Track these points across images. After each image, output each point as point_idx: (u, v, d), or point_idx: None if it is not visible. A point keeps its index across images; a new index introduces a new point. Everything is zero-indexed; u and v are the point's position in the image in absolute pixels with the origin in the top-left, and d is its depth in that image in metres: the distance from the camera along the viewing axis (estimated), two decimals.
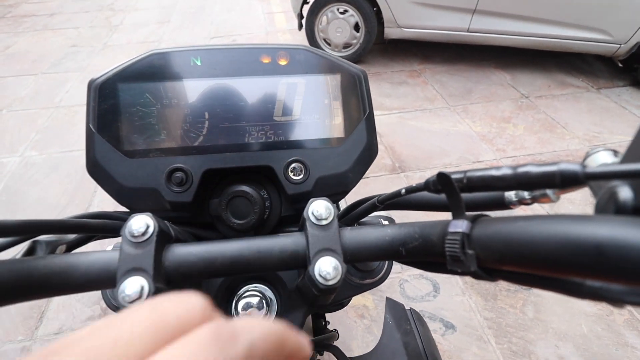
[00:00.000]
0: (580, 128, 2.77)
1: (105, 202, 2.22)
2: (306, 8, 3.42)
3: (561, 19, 2.99)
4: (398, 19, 3.26)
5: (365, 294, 1.75)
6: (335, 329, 0.86)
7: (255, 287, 0.40)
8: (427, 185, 0.27)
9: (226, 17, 4.81)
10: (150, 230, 0.29)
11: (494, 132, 2.75)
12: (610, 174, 0.18)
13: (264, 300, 0.38)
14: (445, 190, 0.26)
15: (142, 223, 0.29)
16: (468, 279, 1.76)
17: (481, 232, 0.24)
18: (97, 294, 1.47)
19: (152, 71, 0.40)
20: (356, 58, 3.53)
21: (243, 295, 0.39)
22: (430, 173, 2.41)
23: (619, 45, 2.96)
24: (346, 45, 3.48)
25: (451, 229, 0.25)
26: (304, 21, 3.49)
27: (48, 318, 1.69)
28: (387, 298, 0.66)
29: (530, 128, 2.78)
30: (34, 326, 1.66)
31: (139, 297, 0.26)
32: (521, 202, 0.31)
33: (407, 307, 0.64)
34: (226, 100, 0.41)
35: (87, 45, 4.20)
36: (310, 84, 0.42)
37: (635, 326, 1.57)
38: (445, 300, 1.70)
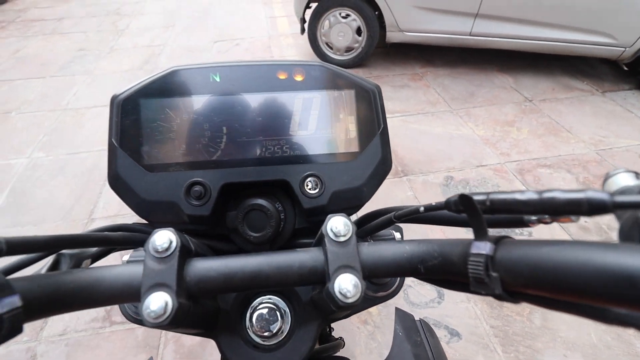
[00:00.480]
0: (585, 132, 2.76)
1: (110, 205, 2.24)
2: (308, 12, 3.44)
3: (565, 22, 2.99)
4: (400, 22, 3.26)
5: None
6: (341, 337, 0.85)
7: (270, 299, 0.40)
8: (447, 205, 0.27)
9: (229, 21, 4.85)
10: (173, 245, 0.29)
11: (497, 136, 2.74)
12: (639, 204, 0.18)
13: (278, 313, 0.39)
14: (467, 211, 0.26)
15: (165, 238, 0.29)
16: None
17: (505, 254, 0.24)
18: None
19: (173, 87, 0.41)
20: (358, 62, 3.54)
21: (257, 308, 0.39)
22: (433, 177, 2.41)
23: (623, 49, 2.95)
24: (348, 49, 3.50)
25: (474, 250, 0.25)
26: (306, 25, 3.51)
27: (52, 319, 1.70)
28: (396, 308, 0.66)
29: (534, 132, 2.78)
30: (39, 327, 1.67)
31: (164, 312, 0.27)
32: (540, 221, 0.31)
33: (416, 318, 0.64)
34: (244, 115, 0.42)
35: (94, 48, 4.25)
36: (325, 99, 0.43)
37: None
38: (450, 307, 1.69)
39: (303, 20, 3.51)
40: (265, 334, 0.38)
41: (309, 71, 0.44)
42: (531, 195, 0.22)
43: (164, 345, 1.59)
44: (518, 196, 0.23)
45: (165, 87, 0.41)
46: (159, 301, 0.27)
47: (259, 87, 0.42)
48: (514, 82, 3.40)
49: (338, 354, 0.63)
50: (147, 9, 5.44)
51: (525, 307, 1.67)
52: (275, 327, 0.38)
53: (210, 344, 1.57)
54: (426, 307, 1.70)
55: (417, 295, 1.75)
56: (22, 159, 2.63)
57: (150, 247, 0.29)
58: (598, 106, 3.04)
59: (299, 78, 0.43)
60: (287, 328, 0.39)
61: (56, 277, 0.27)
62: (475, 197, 0.25)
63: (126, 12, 5.32)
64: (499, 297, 0.24)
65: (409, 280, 1.80)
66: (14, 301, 0.24)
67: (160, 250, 0.29)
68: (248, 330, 0.39)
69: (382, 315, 1.68)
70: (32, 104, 3.27)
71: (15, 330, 0.24)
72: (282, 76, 0.43)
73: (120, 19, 5.10)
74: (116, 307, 1.71)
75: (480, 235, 0.26)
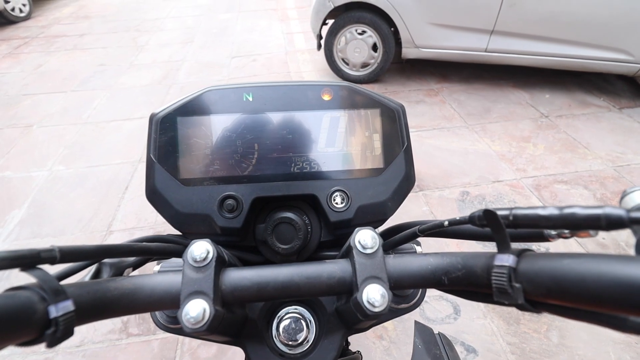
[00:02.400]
0: (602, 148, 2.73)
1: (128, 217, 2.28)
2: (325, 29, 3.50)
3: (580, 39, 2.99)
4: (415, 39, 3.30)
5: None
6: (359, 351, 0.85)
7: (295, 309, 0.41)
8: (471, 220, 0.28)
9: (247, 38, 4.96)
10: (210, 256, 0.31)
11: (513, 152, 2.72)
12: None
13: (303, 322, 0.40)
14: (491, 225, 0.27)
15: (203, 249, 0.31)
16: None
17: (528, 266, 0.25)
18: None
19: (208, 106, 0.43)
20: (374, 77, 3.57)
21: (284, 317, 0.40)
22: (449, 192, 2.40)
23: (639, 66, 2.93)
24: (364, 65, 3.54)
25: (497, 262, 0.26)
26: (322, 42, 3.57)
27: None
28: (415, 322, 0.66)
29: (550, 148, 2.75)
30: None
31: (202, 319, 0.28)
32: (560, 236, 0.32)
33: (435, 332, 0.64)
34: (274, 132, 0.43)
35: (114, 64, 4.37)
36: (352, 118, 0.45)
37: None
38: (466, 323, 1.67)
39: (320, 37, 3.57)
40: (291, 343, 0.39)
41: (336, 91, 0.45)
42: (552, 211, 0.24)
43: (180, 357, 1.59)
44: (540, 212, 0.24)
45: (201, 106, 0.43)
46: (197, 308, 0.28)
47: (288, 106, 0.44)
48: (529, 98, 3.39)
49: None
50: (167, 25, 5.60)
51: (542, 324, 1.64)
52: (301, 337, 0.39)
53: (226, 357, 1.57)
54: (442, 322, 1.68)
55: (433, 311, 1.73)
56: (43, 172, 2.69)
57: (188, 256, 0.31)
58: (615, 122, 3.01)
59: (326, 97, 0.45)
60: (312, 337, 0.40)
61: (102, 284, 0.28)
62: (499, 212, 0.26)
63: (146, 29, 5.48)
64: (521, 307, 0.25)
65: (425, 296, 1.78)
66: (68, 306, 0.25)
67: (198, 260, 0.30)
68: (275, 339, 0.40)
69: (397, 331, 1.65)
70: (53, 118, 3.36)
71: (68, 333, 0.25)
72: (311, 96, 0.45)
73: (140, 35, 5.25)
74: (132, 319, 1.71)
75: (503, 248, 0.27)
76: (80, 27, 5.65)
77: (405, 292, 0.43)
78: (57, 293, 0.25)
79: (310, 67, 4.05)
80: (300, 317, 0.40)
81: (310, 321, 0.41)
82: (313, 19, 3.50)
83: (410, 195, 2.42)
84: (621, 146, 2.74)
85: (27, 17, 6.03)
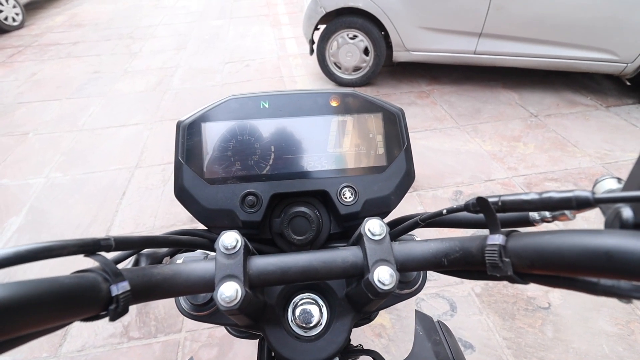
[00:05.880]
0: (591, 146, 2.79)
1: (126, 222, 2.30)
2: (317, 34, 3.55)
3: (567, 40, 3.06)
4: (406, 42, 3.36)
5: (382, 313, 1.77)
6: (360, 344, 0.89)
7: (309, 295, 0.45)
8: (467, 207, 0.32)
9: (240, 43, 5.00)
10: (239, 244, 0.35)
11: (504, 151, 2.78)
12: (614, 199, 0.24)
13: (317, 307, 0.44)
14: (483, 211, 0.31)
15: (232, 239, 0.35)
16: (485, 298, 1.77)
17: (515, 243, 0.29)
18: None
19: (229, 113, 0.48)
20: (366, 81, 3.63)
21: (298, 303, 0.44)
22: (442, 192, 2.44)
23: (625, 65, 3.01)
24: (356, 69, 3.59)
25: (489, 242, 0.30)
26: (315, 46, 3.62)
27: (72, 335, 1.73)
28: (416, 311, 0.70)
29: (540, 146, 2.82)
30: (58, 344, 1.70)
31: (235, 298, 0.32)
32: (543, 220, 0.37)
33: (435, 320, 0.68)
34: (289, 135, 0.48)
35: (108, 71, 4.39)
36: (357, 121, 0.49)
37: None
38: (463, 320, 1.71)
39: (312, 42, 3.62)
40: (306, 325, 0.43)
41: (342, 98, 0.50)
42: (533, 196, 0.28)
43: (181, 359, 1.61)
44: (524, 197, 0.29)
45: (223, 113, 0.48)
46: (231, 289, 0.32)
47: (301, 112, 0.49)
48: (519, 98, 3.46)
49: None
50: (159, 32, 5.62)
51: (537, 319, 1.68)
52: (314, 320, 0.43)
53: (227, 359, 1.59)
54: (439, 319, 1.71)
55: (429, 308, 1.76)
56: (40, 179, 2.70)
57: (220, 245, 0.35)
58: (603, 121, 3.09)
59: (334, 103, 0.50)
60: (324, 321, 0.44)
61: (146, 270, 0.32)
62: (490, 199, 0.31)
63: (139, 36, 5.50)
64: (510, 279, 0.30)
65: (422, 294, 1.82)
66: (125, 286, 0.29)
67: (229, 247, 0.34)
68: (291, 323, 0.43)
69: (395, 329, 1.69)
70: (48, 125, 3.37)
71: (125, 310, 0.29)
72: (320, 102, 0.50)
73: (133, 42, 5.27)
74: (134, 323, 1.73)
75: (494, 230, 0.31)
76: (73, 35, 5.66)
77: (408, 278, 0.47)
78: (116, 275, 0.29)
79: (302, 72, 4.10)
80: (314, 302, 0.44)
81: (322, 306, 0.44)
82: (305, 24, 3.54)
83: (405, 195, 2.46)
84: (609, 143, 2.81)
85: (20, 26, 6.03)
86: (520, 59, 3.26)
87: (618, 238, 0.23)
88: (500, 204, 0.30)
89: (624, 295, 0.25)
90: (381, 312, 1.79)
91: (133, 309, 1.82)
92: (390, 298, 0.46)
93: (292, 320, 0.44)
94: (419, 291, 0.48)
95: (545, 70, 3.39)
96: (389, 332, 1.68)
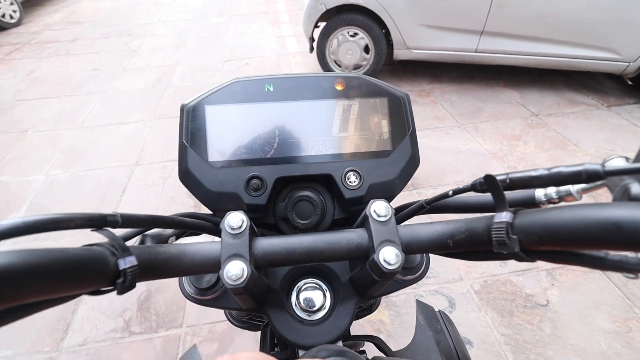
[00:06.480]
0: (592, 145, 2.80)
1: None
2: (317, 32, 3.55)
3: (569, 38, 3.06)
4: (407, 40, 3.36)
5: (381, 308, 1.77)
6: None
7: (313, 280, 0.46)
8: (474, 186, 0.32)
9: (239, 41, 4.99)
10: (245, 224, 0.35)
11: (504, 150, 2.78)
12: (624, 171, 0.24)
13: (320, 292, 0.44)
14: (491, 189, 0.31)
15: (238, 219, 0.35)
16: (484, 295, 1.78)
17: (522, 221, 0.29)
18: (118, 307, 1.51)
19: (233, 96, 0.47)
20: None
21: (303, 288, 0.45)
22: (442, 190, 2.44)
23: (627, 64, 3.01)
24: (356, 67, 3.58)
25: (496, 220, 0.30)
26: (315, 44, 3.61)
27: (73, 330, 1.73)
28: (417, 300, 0.70)
29: (541, 145, 2.82)
30: (60, 338, 1.71)
31: (241, 276, 0.32)
32: (549, 201, 0.36)
33: (436, 309, 0.68)
34: (293, 119, 0.48)
35: (107, 68, 4.38)
36: (362, 106, 0.49)
37: None
38: (462, 316, 1.71)
39: (312, 39, 3.61)
40: (310, 310, 0.43)
41: (348, 81, 0.50)
42: (542, 172, 0.28)
43: (182, 354, 1.60)
44: (532, 173, 0.29)
45: (227, 96, 0.47)
46: (237, 268, 0.32)
47: (306, 95, 0.48)
48: (520, 97, 3.46)
49: None
50: (158, 30, 5.61)
51: (535, 316, 1.69)
52: (318, 304, 0.43)
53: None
54: (440, 309, 1.72)
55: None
56: (39, 176, 2.70)
57: (226, 225, 0.35)
58: (604, 120, 3.09)
59: (339, 87, 0.49)
60: (328, 305, 0.44)
61: (152, 249, 0.32)
62: (498, 177, 0.30)
63: (138, 33, 5.49)
64: (517, 256, 0.29)
65: (421, 290, 1.82)
66: (132, 260, 0.29)
67: (234, 227, 0.34)
68: (294, 308, 0.44)
69: (395, 324, 1.69)
70: (48, 123, 3.36)
71: (132, 285, 0.29)
72: (325, 86, 0.49)
73: (132, 39, 5.26)
74: (135, 318, 1.73)
75: (501, 208, 0.31)
76: (71, 33, 5.64)
77: (411, 263, 0.47)
78: (124, 249, 0.29)
79: (302, 69, 4.09)
80: (318, 287, 0.45)
81: (326, 291, 0.45)
82: (305, 21, 3.54)
83: (404, 193, 2.46)
84: (610, 143, 2.81)
85: (18, 23, 6.01)
86: (521, 57, 3.25)
87: (628, 209, 0.23)
88: (508, 181, 0.30)
89: (632, 269, 0.25)
90: (380, 308, 1.79)
91: (134, 303, 1.82)
92: (393, 284, 0.46)
93: (296, 305, 0.44)
94: (422, 277, 0.48)
95: (546, 69, 3.39)
96: (388, 328, 1.68)
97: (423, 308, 0.68)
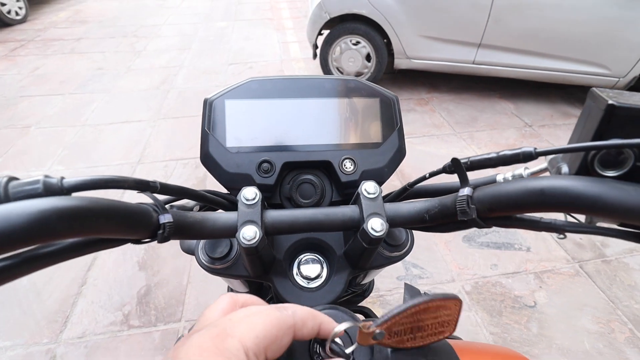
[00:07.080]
0: None
1: None
2: (320, 39, 3.64)
3: (561, 53, 3.17)
4: (407, 50, 3.45)
5: (375, 307, 1.82)
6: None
7: (312, 253, 0.53)
8: (444, 169, 0.40)
9: (243, 46, 5.07)
10: (257, 197, 0.42)
11: None
12: (551, 151, 0.32)
13: (318, 264, 0.52)
14: (457, 170, 0.38)
15: (252, 192, 0.42)
16: (474, 296, 1.84)
17: (478, 193, 0.36)
18: (117, 301, 1.57)
19: (250, 92, 0.55)
20: None
21: (303, 260, 0.52)
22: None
23: (617, 79, 3.11)
24: (358, 74, 3.67)
25: (460, 194, 0.38)
26: (318, 51, 3.70)
27: (72, 322, 1.77)
28: (405, 283, 0.76)
29: None
30: (59, 330, 1.74)
31: (254, 237, 0.38)
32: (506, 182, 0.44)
33: (422, 291, 0.74)
34: (300, 113, 0.56)
35: (112, 68, 4.44)
36: (358, 104, 0.58)
37: (636, 344, 1.62)
38: None
39: (315, 46, 3.70)
40: (308, 278, 0.50)
41: (347, 84, 0.58)
42: (493, 155, 0.36)
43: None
44: (485, 156, 0.37)
45: (244, 92, 0.55)
46: (251, 231, 0.39)
47: (311, 94, 0.57)
48: (514, 108, 3.55)
49: None
50: (164, 32, 5.69)
51: (523, 316, 1.75)
52: (315, 274, 0.50)
53: None
54: (426, 291, 1.77)
55: None
56: (41, 171, 2.73)
57: (242, 197, 0.41)
58: None
59: (340, 88, 0.58)
60: (324, 275, 0.51)
61: (181, 213, 0.38)
62: (462, 160, 0.38)
63: (143, 34, 5.57)
64: (476, 223, 0.37)
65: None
66: (170, 217, 0.35)
67: (249, 198, 0.41)
68: (295, 277, 0.51)
69: None
70: (51, 120, 3.41)
71: (167, 238, 0.35)
72: (328, 86, 0.58)
73: (138, 40, 5.33)
74: (134, 312, 1.77)
75: (464, 184, 0.38)
76: (77, 31, 5.71)
77: (397, 241, 0.54)
78: (163, 208, 0.36)
79: None
80: (316, 260, 0.52)
81: (323, 262, 0.52)
82: (309, 29, 3.63)
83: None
84: None
85: (23, 20, 6.08)
86: (517, 70, 3.36)
87: (551, 180, 0.30)
88: (469, 163, 0.38)
89: (559, 229, 0.33)
90: (375, 306, 1.84)
91: (133, 297, 1.87)
92: (381, 259, 0.53)
93: (297, 274, 0.51)
94: (408, 254, 0.55)
95: (541, 81, 3.49)
96: None
97: (410, 290, 0.74)
